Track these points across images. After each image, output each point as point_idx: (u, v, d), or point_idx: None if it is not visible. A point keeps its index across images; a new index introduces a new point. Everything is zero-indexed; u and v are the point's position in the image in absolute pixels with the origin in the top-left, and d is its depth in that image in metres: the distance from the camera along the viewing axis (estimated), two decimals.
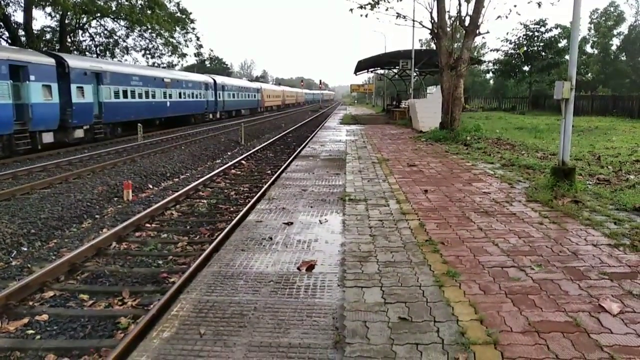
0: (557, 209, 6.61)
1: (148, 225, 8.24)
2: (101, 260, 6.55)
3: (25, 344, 4.31)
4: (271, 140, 22.51)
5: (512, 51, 44.21)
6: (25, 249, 7.27)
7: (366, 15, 17.87)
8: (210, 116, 38.56)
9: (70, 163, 15.13)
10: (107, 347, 4.20)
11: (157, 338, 3.26)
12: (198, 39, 43.63)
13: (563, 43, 41.44)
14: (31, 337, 4.50)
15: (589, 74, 50.84)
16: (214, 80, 39.24)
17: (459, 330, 3.28)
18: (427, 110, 20.31)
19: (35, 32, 32.38)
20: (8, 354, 4.16)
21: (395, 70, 40.80)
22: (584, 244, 5.12)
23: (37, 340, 4.45)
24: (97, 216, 9.29)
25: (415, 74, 32.54)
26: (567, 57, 8.26)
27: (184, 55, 42.79)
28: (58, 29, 33.85)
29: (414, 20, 19.30)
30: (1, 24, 30.04)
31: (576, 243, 5.14)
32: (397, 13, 18.21)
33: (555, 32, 42.52)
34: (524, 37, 43.60)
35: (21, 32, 30.52)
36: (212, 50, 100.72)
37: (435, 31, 17.50)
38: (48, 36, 35.22)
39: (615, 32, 50.75)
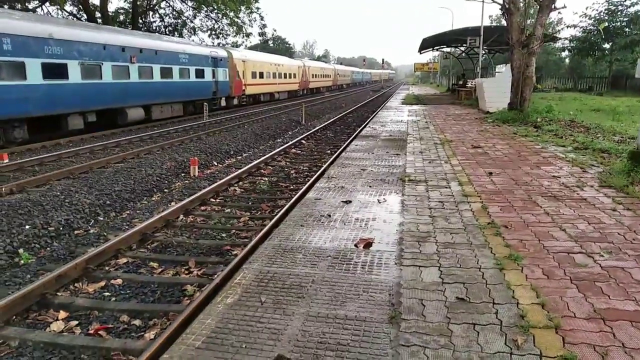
0: (633, 195, 6.21)
1: (213, 200, 8.59)
2: (169, 232, 6.92)
3: (102, 305, 4.68)
4: (331, 120, 22.55)
5: (591, 27, 41.22)
6: (102, 219, 7.82)
7: None
8: None
9: (142, 140, 15.96)
10: (174, 311, 4.47)
11: (221, 303, 3.45)
12: (262, 18, 44.03)
13: None
14: (107, 299, 4.88)
15: None
16: None
17: (519, 313, 3.21)
18: (495, 90, 19.50)
19: (110, 13, 34.08)
20: (88, 313, 4.54)
21: (462, 49, 39.36)
22: None
23: (113, 302, 4.81)
24: (165, 190, 9.79)
25: (483, 52, 31.23)
26: None
27: (248, 35, 43.40)
28: (131, 10, 35.45)
29: None
30: (81, 6, 31.91)
31: None
32: None
33: None
34: (606, 11, 40.46)
35: (98, 15, 32.21)
36: (275, 30, 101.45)
37: (507, 6, 16.65)
38: (122, 17, 36.97)
39: None
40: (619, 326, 3.05)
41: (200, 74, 24.17)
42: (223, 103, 27.30)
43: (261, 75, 33.22)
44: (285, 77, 39.31)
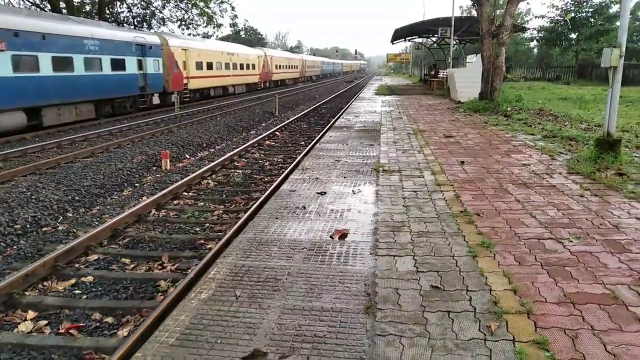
0: (599, 182, 6.39)
1: (185, 193, 8.45)
2: (141, 227, 6.79)
3: (73, 303, 4.55)
4: (305, 111, 22.46)
5: (559, 18, 42.11)
6: (70, 215, 7.60)
7: None
8: None
9: (111, 133, 15.58)
10: (148, 308, 4.38)
11: (195, 299, 3.39)
12: (233, 8, 43.20)
13: (614, 8, 39.08)
14: (78, 297, 4.75)
15: None
16: None
17: (492, 299, 3.27)
18: (466, 80, 19.74)
19: (76, 3, 32.98)
20: (58, 312, 4.42)
21: (434, 39, 39.66)
22: (626, 217, 4.95)
23: (84, 299, 4.69)
24: (136, 184, 9.59)
25: (454, 43, 31.53)
26: (618, 23, 7.80)
27: (219, 25, 42.65)
28: (97, 0, 34.38)
29: None
30: None
31: (618, 216, 4.98)
32: None
33: None
34: (572, 2, 41.36)
35: (62, 5, 31.13)
36: (247, 21, 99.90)
37: None
38: (87, 8, 35.83)
39: None
40: (588, 309, 3.13)
41: (119, 65, 19.14)
42: (156, 101, 21.88)
43: (209, 66, 28.31)
44: (241, 68, 34.49)
